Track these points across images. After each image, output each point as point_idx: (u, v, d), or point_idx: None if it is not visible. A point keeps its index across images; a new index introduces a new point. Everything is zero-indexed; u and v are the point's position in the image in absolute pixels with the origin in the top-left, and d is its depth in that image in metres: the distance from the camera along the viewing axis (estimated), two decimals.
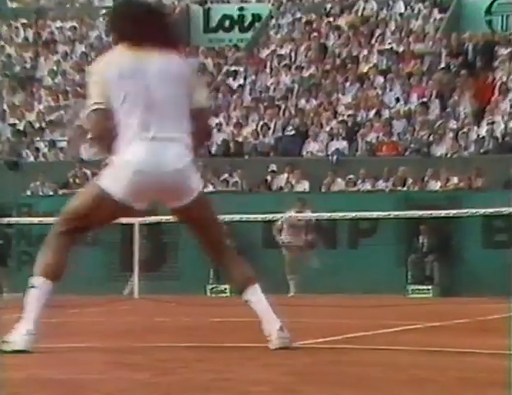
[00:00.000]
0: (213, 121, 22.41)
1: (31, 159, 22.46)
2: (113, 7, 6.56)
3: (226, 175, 20.61)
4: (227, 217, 17.66)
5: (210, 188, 20.16)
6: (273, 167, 20.59)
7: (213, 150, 21.74)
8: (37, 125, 23.26)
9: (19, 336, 5.67)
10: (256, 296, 5.81)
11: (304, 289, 17.26)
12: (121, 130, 5.71)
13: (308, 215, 17.88)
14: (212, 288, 18.75)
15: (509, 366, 4.73)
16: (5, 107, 24.08)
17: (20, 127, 23.32)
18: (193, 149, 5.80)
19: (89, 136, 6.09)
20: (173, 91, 5.75)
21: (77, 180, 21.14)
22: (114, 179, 5.72)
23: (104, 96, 5.77)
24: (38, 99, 24.20)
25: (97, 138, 5.88)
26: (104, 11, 26.81)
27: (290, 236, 18.14)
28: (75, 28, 26.38)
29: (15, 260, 19.49)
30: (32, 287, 5.75)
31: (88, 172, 21.16)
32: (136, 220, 16.28)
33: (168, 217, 17.54)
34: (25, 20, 26.76)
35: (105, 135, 5.74)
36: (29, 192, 20.95)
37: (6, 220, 18.43)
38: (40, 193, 20.93)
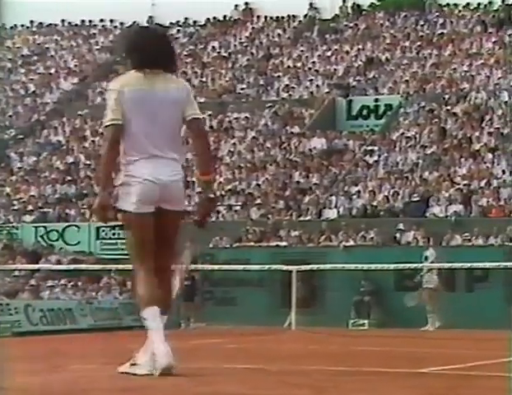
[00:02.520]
0: (354, 189, 22.30)
1: (213, 219, 22.75)
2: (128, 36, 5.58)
3: (364, 232, 20.39)
4: (365, 266, 17.49)
5: (351, 243, 19.98)
6: (401, 226, 20.24)
7: (354, 212, 21.57)
8: (218, 193, 23.60)
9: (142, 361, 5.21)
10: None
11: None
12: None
13: (433, 265, 17.48)
14: (353, 322, 18.47)
15: None
16: (194, 179, 24.54)
17: None
18: (198, 162, 5.23)
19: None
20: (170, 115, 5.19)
21: (248, 236, 21.30)
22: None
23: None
24: (219, 173, 24.58)
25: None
26: (269, 104, 27.13)
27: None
28: (247, 118, 26.77)
29: (200, 298, 19.70)
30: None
31: (256, 229, 21.32)
32: (293, 268, 16.24)
33: (318, 265, 17.55)
34: (210, 112, 27.33)
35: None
36: (211, 245, 21.21)
37: (193, 266, 18.71)
38: (220, 246, 21.15)
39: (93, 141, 26.74)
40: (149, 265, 5.20)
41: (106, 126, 5.19)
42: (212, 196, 5.30)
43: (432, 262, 17.46)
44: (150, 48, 5.25)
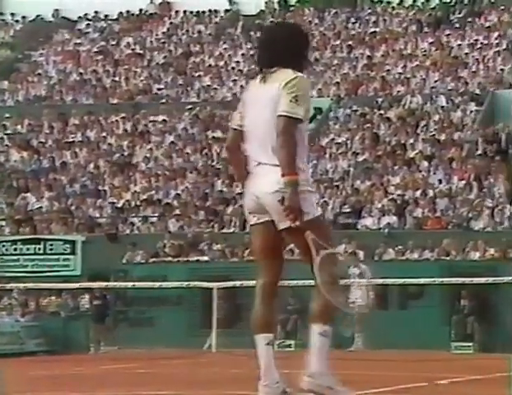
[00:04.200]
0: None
1: (127, 232, 22.63)
2: None
3: (292, 245, 20.47)
4: (292, 282, 17.61)
5: None
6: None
7: None
8: (133, 203, 23.47)
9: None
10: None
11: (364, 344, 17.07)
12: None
13: (363, 280, 17.66)
14: (279, 343, 18.55)
15: None
16: (106, 188, 24.37)
17: (119, 205, 23.53)
18: (281, 162, 5.13)
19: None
20: (263, 117, 5.21)
21: (166, 250, 21.20)
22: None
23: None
24: (133, 181, 24.44)
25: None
26: (189, 106, 27.12)
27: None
28: (165, 121, 26.70)
29: (111, 319, 19.53)
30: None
31: (175, 243, 21.24)
32: (214, 285, 16.25)
33: (242, 282, 17.59)
34: (124, 115, 27.17)
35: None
36: (124, 261, 21.05)
37: (104, 284, 18.53)
38: (134, 261, 21.02)
39: None
40: (261, 281, 5.41)
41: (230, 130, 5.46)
42: (279, 198, 5.19)
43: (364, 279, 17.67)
44: (265, 46, 5.35)
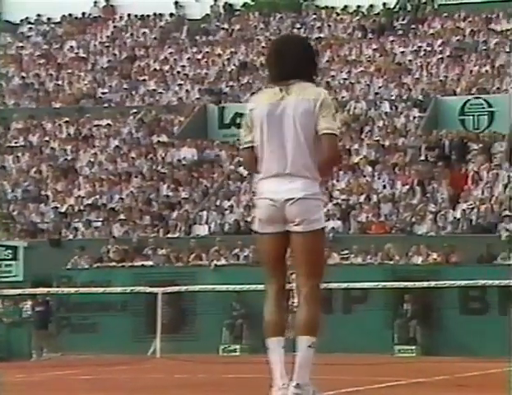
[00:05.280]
0: (226, 203, 22.48)
1: (71, 237, 22.46)
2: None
3: (238, 250, 20.57)
4: (238, 287, 17.69)
5: (223, 261, 20.13)
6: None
7: (226, 228, 21.73)
8: (76, 208, 23.32)
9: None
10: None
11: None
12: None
13: None
14: (224, 348, 18.60)
15: None
16: (49, 193, 24.16)
17: (62, 210, 23.36)
18: (320, 174, 5.33)
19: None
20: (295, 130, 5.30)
21: (110, 255, 21.10)
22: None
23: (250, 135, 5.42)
24: (77, 186, 24.28)
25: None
26: (134, 110, 27.04)
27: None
28: (109, 125, 26.58)
29: (54, 325, 19.38)
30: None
31: (119, 248, 21.14)
32: (159, 290, 16.24)
33: (187, 287, 17.59)
34: (67, 119, 26.98)
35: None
36: (68, 266, 20.90)
37: (47, 289, 18.38)
38: (78, 267, 20.87)
39: None
40: (274, 287, 5.42)
41: (242, 149, 5.49)
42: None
43: None
44: (280, 59, 5.43)
